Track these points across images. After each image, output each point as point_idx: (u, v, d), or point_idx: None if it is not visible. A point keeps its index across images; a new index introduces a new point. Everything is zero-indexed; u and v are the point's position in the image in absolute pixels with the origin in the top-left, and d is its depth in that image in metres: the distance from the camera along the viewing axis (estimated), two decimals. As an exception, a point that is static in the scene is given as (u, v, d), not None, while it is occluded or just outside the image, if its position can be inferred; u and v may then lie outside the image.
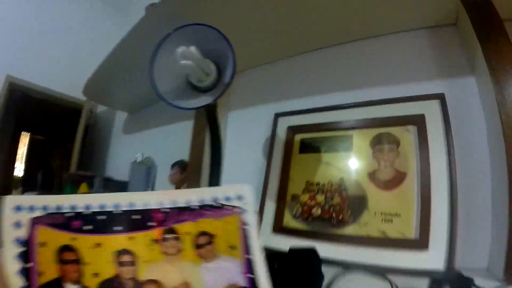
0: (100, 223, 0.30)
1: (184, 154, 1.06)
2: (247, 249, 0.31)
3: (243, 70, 1.01)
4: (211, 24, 0.48)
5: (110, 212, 0.31)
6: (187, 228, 0.32)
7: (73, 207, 0.30)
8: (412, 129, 0.64)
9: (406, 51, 0.75)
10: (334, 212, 0.65)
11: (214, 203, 0.33)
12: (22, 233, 0.28)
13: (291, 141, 0.79)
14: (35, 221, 0.29)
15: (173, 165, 1.17)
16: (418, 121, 0.63)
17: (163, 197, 0.32)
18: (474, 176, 0.59)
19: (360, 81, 0.78)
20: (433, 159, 0.60)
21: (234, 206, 0.33)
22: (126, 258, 0.30)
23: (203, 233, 0.32)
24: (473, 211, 0.57)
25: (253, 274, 0.30)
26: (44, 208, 0.30)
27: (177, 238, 0.31)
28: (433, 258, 0.52)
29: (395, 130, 0.65)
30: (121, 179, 1.41)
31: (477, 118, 0.62)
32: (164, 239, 0.31)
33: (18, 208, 0.29)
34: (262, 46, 0.90)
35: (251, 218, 0.33)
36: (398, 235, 0.57)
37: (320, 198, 0.68)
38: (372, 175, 0.65)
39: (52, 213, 0.30)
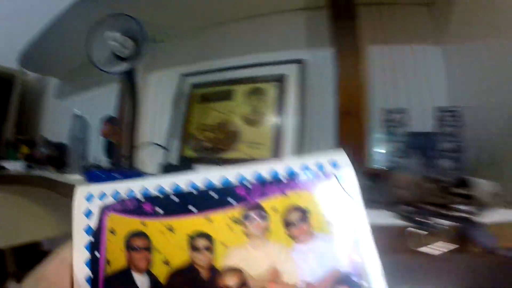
0: (172, 205, 0.25)
1: (112, 111, 1.35)
2: (349, 224, 0.24)
3: (160, 41, 1.29)
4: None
5: (183, 192, 0.25)
6: (274, 203, 0.25)
7: (144, 191, 0.26)
8: (276, 84, 0.91)
9: (281, 28, 1.00)
10: (219, 143, 0.93)
11: (305, 173, 0.25)
12: (92, 221, 0.25)
13: (192, 95, 1.09)
14: (106, 208, 0.26)
15: (104, 121, 1.40)
16: (281, 79, 0.90)
17: (243, 170, 0.26)
18: (320, 120, 0.85)
19: (244, 50, 1.04)
20: (288, 105, 0.88)
21: (329, 175, 0.25)
22: (201, 242, 0.24)
23: (295, 208, 0.25)
24: (313, 142, 0.86)
25: (359, 256, 0.24)
26: (115, 194, 0.26)
27: (263, 216, 0.25)
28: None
29: (264, 85, 0.93)
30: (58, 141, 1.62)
31: (328, 80, 0.83)
32: (247, 218, 0.24)
33: (90, 197, 0.26)
34: (172, 22, 1.19)
35: (351, 186, 0.25)
36: (260, 157, 0.85)
37: (209, 134, 0.96)
38: (244, 117, 0.93)
39: (123, 199, 0.26)
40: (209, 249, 0.24)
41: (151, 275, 0.24)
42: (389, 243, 0.40)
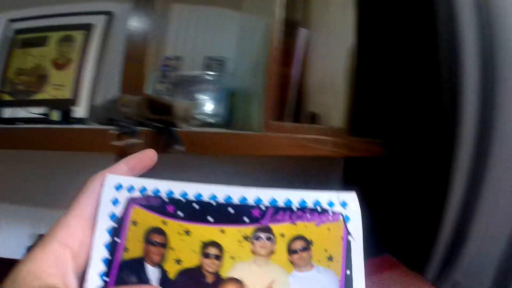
0: (193, 211, 0.28)
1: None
2: (347, 263, 0.27)
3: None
4: None
5: (205, 201, 0.28)
6: (283, 229, 0.27)
7: (169, 193, 0.28)
8: (85, 32, 0.95)
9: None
10: (31, 86, 0.95)
11: (316, 207, 0.28)
12: (118, 210, 0.28)
13: (14, 40, 1.05)
14: (132, 201, 0.28)
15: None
16: (89, 28, 0.96)
17: (261, 193, 0.28)
18: (115, 66, 0.91)
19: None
20: (92, 52, 0.95)
21: (337, 213, 0.28)
22: (212, 250, 0.27)
23: (300, 237, 0.27)
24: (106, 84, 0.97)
25: (348, 292, 0.26)
26: (143, 189, 0.29)
27: (270, 239, 0.27)
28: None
29: (74, 33, 0.97)
30: None
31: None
32: (257, 238, 0.27)
33: (119, 187, 0.29)
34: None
35: (356, 228, 0.28)
36: (62, 97, 0.92)
37: (24, 78, 0.96)
38: (54, 62, 0.98)
39: (149, 196, 0.28)
40: (218, 257, 0.27)
41: (162, 269, 0.26)
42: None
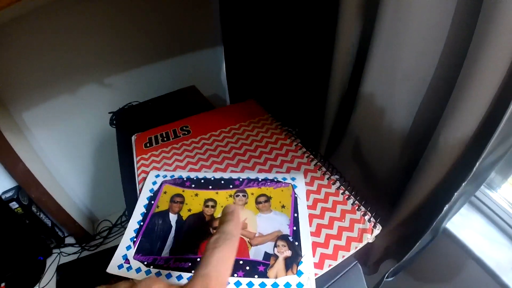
0: (200, 183, 0.47)
1: None
2: (294, 210, 0.42)
3: None
4: None
5: (208, 178, 0.48)
6: (253, 190, 0.45)
7: (187, 176, 0.49)
8: None
9: None
10: None
11: (274, 179, 0.46)
12: (155, 187, 0.48)
13: None
14: (164, 182, 0.48)
15: None
16: None
17: (240, 174, 0.48)
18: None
19: None
20: None
21: (288, 183, 0.45)
22: (210, 203, 0.44)
23: (263, 195, 0.44)
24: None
25: (296, 227, 0.40)
26: (172, 176, 0.49)
27: (244, 196, 0.44)
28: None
29: None
30: None
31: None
32: (237, 195, 0.44)
33: (157, 176, 0.49)
34: None
35: (301, 191, 0.44)
36: None
37: None
38: None
39: (175, 178, 0.49)
40: (213, 207, 0.43)
41: (179, 215, 0.43)
42: None
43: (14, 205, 1.04)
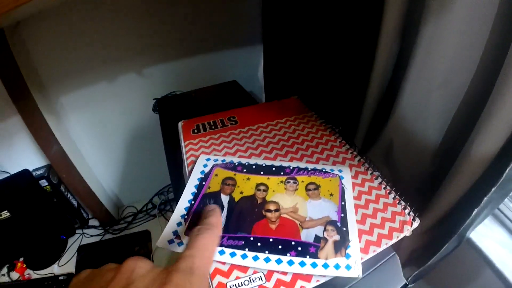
0: (252, 169, 0.51)
1: None
2: (342, 198, 0.44)
3: None
4: None
5: (259, 164, 0.51)
6: (303, 178, 0.48)
7: (238, 162, 0.52)
8: None
9: None
10: None
11: (322, 170, 0.49)
12: (206, 169, 0.51)
13: None
14: (215, 165, 0.52)
15: None
16: None
17: (291, 162, 0.52)
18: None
19: None
20: None
21: (336, 174, 0.48)
22: (262, 187, 0.47)
23: (313, 183, 0.47)
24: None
25: (343, 214, 0.43)
26: (223, 160, 0.53)
27: (295, 182, 0.47)
28: None
29: None
30: None
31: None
32: (288, 182, 0.48)
33: (208, 159, 0.53)
34: None
35: (347, 182, 0.47)
36: None
37: None
38: None
39: (226, 163, 0.52)
40: (265, 191, 0.46)
41: (231, 196, 0.46)
42: None
43: (43, 183, 1.08)
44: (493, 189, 0.48)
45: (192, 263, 0.26)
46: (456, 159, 0.54)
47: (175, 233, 0.43)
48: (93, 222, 1.28)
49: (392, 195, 0.46)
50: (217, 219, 0.37)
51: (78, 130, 1.12)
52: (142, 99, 1.00)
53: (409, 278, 0.71)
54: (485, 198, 0.50)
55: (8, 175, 1.02)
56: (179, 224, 0.44)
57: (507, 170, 0.45)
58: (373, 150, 0.71)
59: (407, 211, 0.44)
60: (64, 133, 1.07)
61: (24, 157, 1.07)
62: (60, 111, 1.05)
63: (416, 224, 0.44)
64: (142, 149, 1.21)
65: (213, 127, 0.62)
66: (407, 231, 0.43)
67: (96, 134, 1.15)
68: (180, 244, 0.41)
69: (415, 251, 0.71)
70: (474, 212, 0.52)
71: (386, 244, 0.41)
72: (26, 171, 0.99)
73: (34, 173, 1.07)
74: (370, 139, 0.72)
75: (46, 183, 1.09)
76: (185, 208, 0.46)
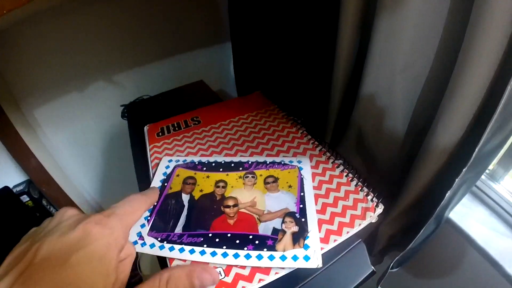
0: (211, 166, 0.50)
1: None
2: (301, 189, 0.44)
3: None
4: None
5: (218, 162, 0.50)
6: (261, 172, 0.47)
7: (199, 161, 0.52)
8: None
9: None
10: None
11: (281, 162, 0.48)
12: (168, 170, 0.50)
13: None
14: (177, 166, 0.51)
15: None
16: None
17: (249, 157, 0.51)
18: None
19: None
20: None
21: (295, 165, 0.47)
22: (221, 184, 0.46)
23: (271, 176, 0.46)
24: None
25: (302, 205, 0.42)
26: (184, 161, 0.52)
27: (254, 177, 0.46)
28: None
29: None
30: None
31: None
32: (246, 177, 0.46)
33: (170, 160, 0.52)
34: None
35: (306, 173, 0.46)
36: None
37: None
38: None
39: (187, 163, 0.51)
40: (224, 187, 0.45)
41: (191, 195, 0.45)
42: None
43: (25, 198, 1.07)
44: (464, 170, 0.47)
45: (113, 211, 0.30)
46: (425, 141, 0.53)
47: (139, 234, 0.42)
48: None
49: (354, 183, 0.45)
50: (153, 190, 0.41)
51: (54, 142, 1.10)
52: (113, 106, 0.98)
53: (392, 263, 0.70)
54: (456, 180, 0.49)
55: (-13, 193, 1.00)
56: (142, 225, 0.43)
57: (477, 148, 0.44)
58: (344, 140, 0.70)
59: (369, 197, 0.43)
60: (40, 146, 1.05)
61: (2, 174, 1.05)
62: (34, 124, 1.03)
63: (379, 210, 0.43)
64: (118, 156, 1.20)
65: (176, 128, 0.61)
66: (370, 217, 0.42)
67: (72, 144, 1.14)
68: (143, 244, 0.41)
69: (394, 236, 0.70)
70: (447, 194, 0.51)
71: (347, 232, 0.40)
72: (6, 188, 0.98)
73: (14, 189, 1.06)
74: (341, 128, 0.71)
75: (28, 198, 1.07)
76: (148, 210, 0.45)
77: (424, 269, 0.85)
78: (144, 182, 0.54)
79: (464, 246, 0.71)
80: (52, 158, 1.12)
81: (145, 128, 0.64)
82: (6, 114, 0.92)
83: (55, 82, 0.97)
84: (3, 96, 0.92)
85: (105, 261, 0.25)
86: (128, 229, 0.32)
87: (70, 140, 1.13)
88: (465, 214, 0.73)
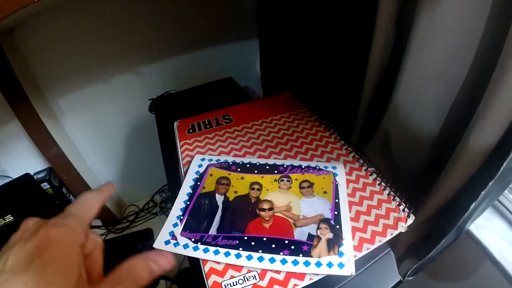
0: (246, 168, 0.51)
1: None
2: (335, 196, 0.44)
3: None
4: None
5: (253, 163, 0.51)
6: (296, 176, 0.48)
7: (233, 161, 0.52)
8: None
9: None
10: None
11: (316, 167, 0.49)
12: (201, 169, 0.51)
13: None
14: (210, 165, 0.52)
15: None
16: None
17: (285, 160, 0.52)
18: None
19: None
20: None
21: (330, 171, 0.48)
22: (256, 186, 0.47)
23: (306, 181, 0.47)
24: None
25: (337, 211, 0.43)
26: (217, 160, 0.53)
27: (289, 181, 0.47)
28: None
29: None
30: None
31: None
32: (281, 180, 0.48)
33: (203, 159, 0.53)
34: None
35: (341, 179, 0.47)
36: None
37: None
38: None
39: (221, 162, 0.52)
40: (259, 190, 0.46)
41: (225, 196, 0.46)
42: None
43: (45, 185, 1.09)
44: (490, 183, 0.47)
45: (69, 211, 0.30)
46: (453, 151, 0.54)
47: (171, 234, 0.43)
48: (95, 222, 1.29)
49: (386, 191, 0.46)
50: (108, 185, 0.38)
51: (76, 131, 1.12)
52: (138, 99, 1.00)
53: (409, 271, 0.71)
54: (482, 192, 0.49)
55: (10, 179, 1.03)
56: (175, 225, 0.44)
57: (505, 162, 0.44)
58: (370, 143, 0.71)
59: (401, 207, 0.44)
60: (62, 134, 1.07)
61: (24, 161, 1.08)
62: (58, 113, 1.05)
63: (410, 220, 0.43)
64: (140, 148, 1.22)
65: (208, 126, 0.62)
66: (402, 227, 0.43)
67: (94, 135, 1.16)
68: (176, 244, 0.42)
69: (414, 244, 0.71)
70: (472, 206, 0.52)
71: (380, 241, 0.41)
72: (27, 175, 1.00)
73: (35, 177, 1.08)
74: (368, 132, 0.72)
75: (48, 186, 1.09)
76: (180, 209, 0.46)
77: (437, 277, 0.86)
78: (173, 178, 0.55)
79: (480, 257, 0.72)
80: (74, 147, 1.14)
81: (175, 124, 0.64)
82: (30, 101, 0.94)
83: (80, 73, 0.99)
84: (29, 85, 0.93)
85: (67, 260, 0.27)
86: (86, 225, 0.34)
87: (93, 131, 1.15)
88: (484, 226, 0.73)
